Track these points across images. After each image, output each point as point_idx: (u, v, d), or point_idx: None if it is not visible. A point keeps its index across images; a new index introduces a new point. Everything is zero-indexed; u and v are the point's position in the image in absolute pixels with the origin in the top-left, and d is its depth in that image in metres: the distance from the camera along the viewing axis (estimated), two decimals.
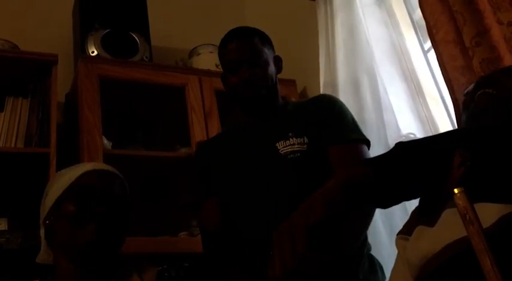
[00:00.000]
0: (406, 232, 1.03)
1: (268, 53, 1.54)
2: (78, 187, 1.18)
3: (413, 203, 1.21)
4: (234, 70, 1.51)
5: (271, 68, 1.53)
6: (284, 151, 1.43)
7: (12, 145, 1.93)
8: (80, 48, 2.19)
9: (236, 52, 1.51)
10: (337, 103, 1.53)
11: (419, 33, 1.91)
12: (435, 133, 1.68)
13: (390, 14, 1.98)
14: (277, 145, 1.44)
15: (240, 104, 1.55)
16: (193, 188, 1.67)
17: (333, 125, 1.45)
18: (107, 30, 2.24)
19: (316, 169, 1.39)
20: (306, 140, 1.43)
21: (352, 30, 1.98)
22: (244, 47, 1.51)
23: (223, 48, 1.56)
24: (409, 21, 1.93)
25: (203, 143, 1.74)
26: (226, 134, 1.66)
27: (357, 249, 1.35)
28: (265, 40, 1.58)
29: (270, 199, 1.39)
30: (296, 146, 1.42)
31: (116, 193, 1.20)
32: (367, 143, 1.45)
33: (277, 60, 1.59)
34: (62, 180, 1.21)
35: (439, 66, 1.52)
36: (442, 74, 1.50)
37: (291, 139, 1.44)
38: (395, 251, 1.07)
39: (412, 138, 1.56)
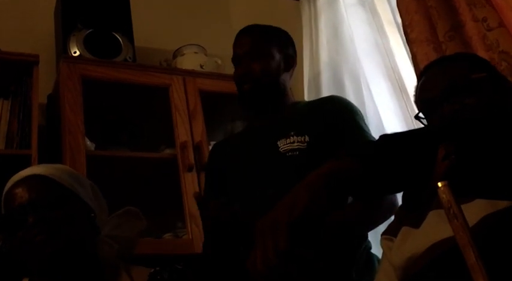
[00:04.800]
0: (390, 233, 1.03)
1: (274, 48, 1.54)
2: (6, 213, 1.15)
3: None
4: (236, 64, 1.55)
5: (274, 63, 1.53)
6: (284, 149, 1.43)
7: None
8: (62, 49, 2.16)
9: (238, 47, 1.56)
10: (349, 106, 1.52)
11: (402, 32, 1.92)
12: None
13: (374, 14, 1.99)
14: (278, 142, 1.45)
15: (238, 98, 1.57)
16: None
17: (345, 131, 1.44)
18: (90, 30, 2.21)
19: (315, 167, 1.38)
20: (307, 138, 1.43)
21: (336, 30, 1.98)
22: (245, 42, 1.55)
23: (233, 44, 1.60)
24: (392, 20, 1.94)
25: (215, 145, 1.73)
26: (237, 136, 1.68)
27: (350, 246, 1.35)
28: (275, 36, 1.58)
29: (267, 196, 1.38)
30: (296, 144, 1.42)
31: (41, 198, 1.14)
32: None
33: (288, 58, 1.58)
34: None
35: (413, 65, 1.53)
36: (415, 73, 1.51)
37: (291, 137, 1.44)
38: (380, 251, 1.07)
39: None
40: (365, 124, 1.49)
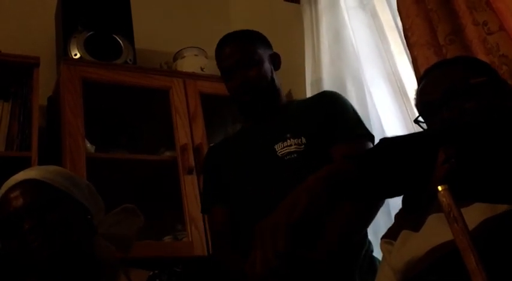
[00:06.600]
0: (390, 236, 1.03)
1: (261, 51, 1.55)
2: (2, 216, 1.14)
3: (397, 207, 1.21)
4: (229, 76, 1.53)
5: (266, 67, 1.53)
6: (281, 153, 1.43)
7: None
8: (63, 51, 2.16)
9: (227, 58, 1.54)
10: (339, 99, 1.52)
11: (402, 36, 1.92)
12: None
13: (374, 17, 1.99)
14: (275, 147, 1.45)
15: (239, 108, 1.56)
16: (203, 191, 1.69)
17: (335, 123, 1.44)
18: (90, 33, 2.21)
19: (314, 169, 1.38)
20: (303, 140, 1.42)
21: (337, 33, 1.98)
22: (235, 52, 1.53)
23: (217, 57, 1.58)
24: (393, 24, 1.94)
25: (211, 147, 1.74)
26: (233, 138, 1.68)
27: (352, 249, 1.34)
28: (257, 39, 1.58)
29: (268, 201, 1.38)
30: (293, 147, 1.42)
31: (35, 202, 1.13)
32: (371, 138, 1.45)
33: (274, 57, 1.59)
34: None
35: (414, 69, 1.53)
36: (416, 76, 1.50)
37: (288, 140, 1.44)
38: (380, 255, 1.07)
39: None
40: (359, 116, 1.49)
